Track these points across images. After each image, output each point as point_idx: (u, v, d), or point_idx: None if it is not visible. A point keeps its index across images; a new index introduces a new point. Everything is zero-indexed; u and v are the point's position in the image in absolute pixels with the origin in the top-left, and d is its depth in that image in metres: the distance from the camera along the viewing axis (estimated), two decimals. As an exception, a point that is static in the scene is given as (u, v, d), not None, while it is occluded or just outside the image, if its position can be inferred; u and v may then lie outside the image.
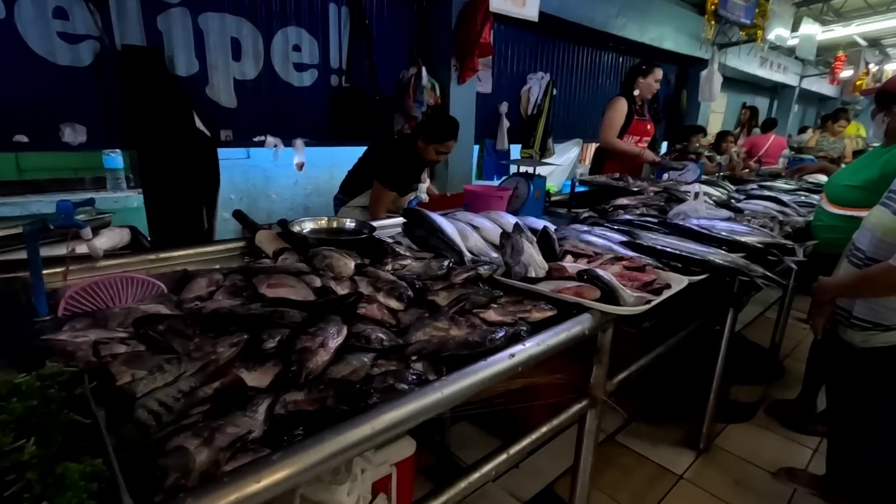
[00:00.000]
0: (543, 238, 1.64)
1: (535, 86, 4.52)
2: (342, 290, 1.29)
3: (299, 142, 3.11)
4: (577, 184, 2.92)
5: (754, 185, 3.42)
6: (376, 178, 2.63)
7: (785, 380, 3.11)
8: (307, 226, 1.87)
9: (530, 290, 1.38)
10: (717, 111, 9.32)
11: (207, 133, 2.67)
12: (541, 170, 2.97)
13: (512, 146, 4.61)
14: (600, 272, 1.35)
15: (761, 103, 9.90)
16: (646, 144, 3.79)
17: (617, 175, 3.65)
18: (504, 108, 4.33)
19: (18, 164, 2.85)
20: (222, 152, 3.45)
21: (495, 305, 1.27)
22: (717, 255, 1.63)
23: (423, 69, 3.47)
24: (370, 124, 3.37)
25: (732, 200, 2.87)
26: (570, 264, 1.45)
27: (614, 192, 3.17)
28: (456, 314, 1.21)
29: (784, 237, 2.19)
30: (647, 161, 3.61)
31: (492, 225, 1.94)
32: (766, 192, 2.99)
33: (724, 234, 1.89)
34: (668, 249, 1.64)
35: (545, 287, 1.39)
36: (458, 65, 3.54)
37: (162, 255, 1.71)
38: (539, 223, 2.19)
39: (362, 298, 1.21)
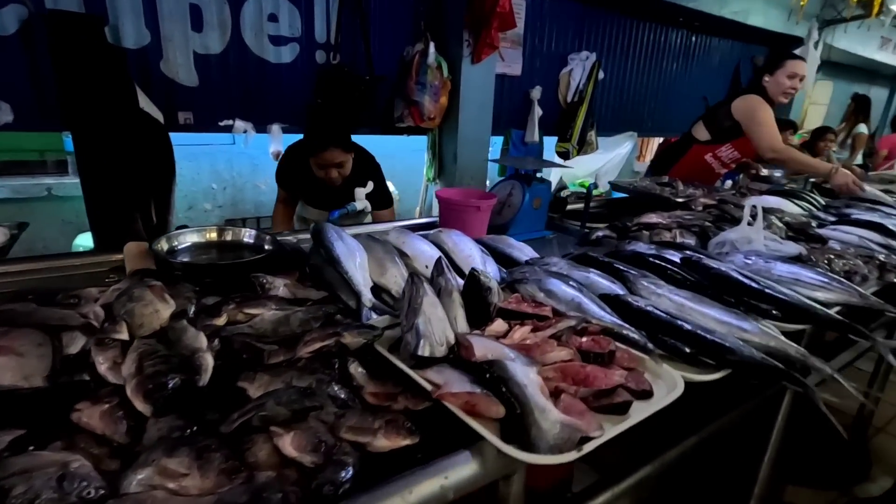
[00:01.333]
0: (471, 286, 1.09)
1: (578, 68, 3.83)
2: (104, 364, 0.84)
3: (276, 128, 2.71)
4: (595, 188, 2.27)
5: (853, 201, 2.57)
6: None
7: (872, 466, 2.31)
8: (187, 240, 1.44)
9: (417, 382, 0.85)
10: (818, 103, 7.92)
11: (157, 115, 2.33)
12: (554, 170, 2.37)
13: (547, 139, 3.96)
14: (514, 371, 0.79)
15: (878, 95, 8.30)
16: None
17: (665, 179, 2.95)
18: (536, 93, 3.69)
19: (-22, 145, 2.70)
20: (203, 137, 3.15)
21: (323, 418, 0.76)
22: (755, 337, 1.00)
23: (432, 45, 2.93)
24: (362, 109, 2.90)
25: (813, 222, 2.10)
26: (483, 341, 0.90)
27: (654, 201, 2.50)
28: (238, 432, 0.72)
29: (884, 289, 1.47)
30: (840, 186, 2.60)
31: (432, 251, 1.40)
32: (865, 216, 2.18)
33: (777, 289, 1.23)
34: (673, 320, 1.03)
35: (437, 377, 0.86)
36: (471, 40, 2.96)
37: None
38: (518, 247, 1.63)
39: (86, 391, 0.74)
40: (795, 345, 0.98)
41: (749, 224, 1.70)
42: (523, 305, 1.08)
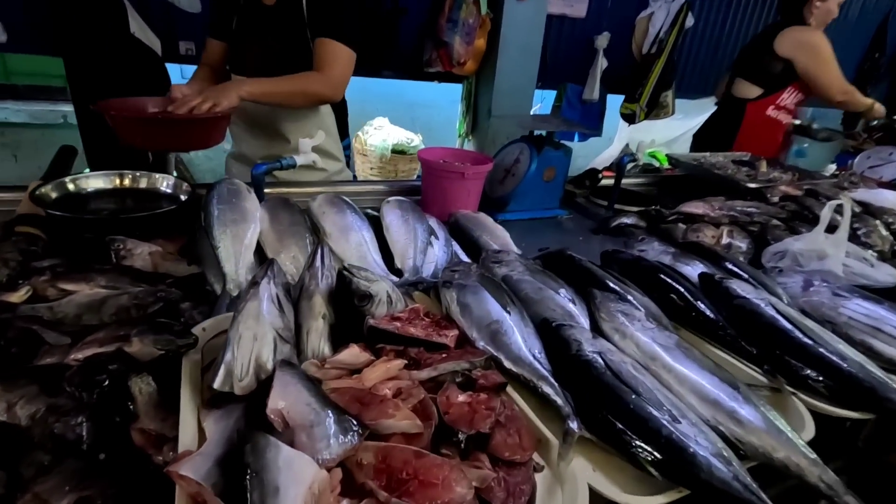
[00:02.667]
0: (341, 291, 0.77)
1: (661, 11, 3.15)
2: None
3: (285, 65, 2.45)
4: (632, 161, 1.80)
5: None
6: None
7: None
8: (89, 185, 1.24)
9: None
10: None
11: (154, 43, 2.15)
12: (619, 136, 1.91)
13: (611, 98, 3.37)
14: (274, 456, 0.48)
15: None
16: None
17: (746, 157, 2.39)
18: (603, 40, 3.10)
19: (6, 66, 2.70)
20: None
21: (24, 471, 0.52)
22: (753, 436, 0.60)
23: (473, -25, 2.48)
24: (387, 48, 2.55)
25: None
26: (289, 384, 0.59)
27: (719, 184, 1.98)
28: None
29: None
30: (874, 117, 2.47)
31: (360, 230, 1.10)
32: None
33: (831, 344, 0.79)
34: (618, 386, 0.65)
35: (211, 428, 0.58)
36: (519, -32, 2.46)
37: None
38: (491, 230, 1.28)
39: None
40: (821, 463, 0.57)
41: (830, 231, 1.20)
42: (413, 325, 0.75)
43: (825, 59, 2.27)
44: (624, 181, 2.32)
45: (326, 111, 1.72)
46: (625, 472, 0.60)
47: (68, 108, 2.67)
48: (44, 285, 0.81)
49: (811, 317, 0.97)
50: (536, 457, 0.60)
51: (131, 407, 0.64)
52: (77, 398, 0.62)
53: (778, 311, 0.85)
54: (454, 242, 1.25)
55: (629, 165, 1.92)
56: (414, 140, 2.99)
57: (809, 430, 0.67)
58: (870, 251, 1.36)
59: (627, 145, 4.01)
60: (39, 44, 2.08)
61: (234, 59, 1.71)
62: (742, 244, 1.37)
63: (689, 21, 3.17)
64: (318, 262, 0.79)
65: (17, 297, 0.78)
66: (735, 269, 1.08)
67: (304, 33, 1.58)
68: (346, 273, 0.75)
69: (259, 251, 1.02)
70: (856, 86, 4.67)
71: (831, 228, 1.20)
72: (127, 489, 0.53)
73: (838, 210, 1.19)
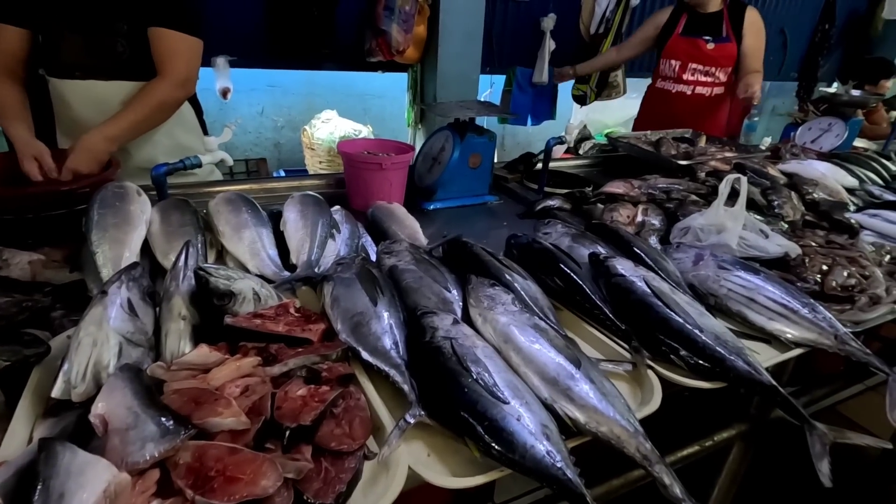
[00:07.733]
0: (200, 291, 0.77)
1: (606, -9, 3.15)
2: None
3: (221, 60, 2.40)
4: (561, 143, 1.79)
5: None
6: None
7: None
8: None
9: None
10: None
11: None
12: (574, 117, 1.91)
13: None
14: (63, 460, 0.48)
15: None
16: (707, 82, 2.50)
17: (688, 132, 2.43)
18: (549, 22, 3.08)
19: None
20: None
21: None
22: (583, 413, 0.62)
23: (409, -40, 2.44)
24: (325, 40, 2.52)
25: (852, 204, 1.55)
26: (115, 390, 0.59)
27: (654, 162, 2.01)
28: None
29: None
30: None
31: (255, 229, 1.09)
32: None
33: (691, 318, 0.80)
34: (458, 369, 0.66)
35: (39, 433, 0.58)
36: (453, -48, 2.44)
37: None
38: (399, 221, 1.28)
39: None
40: (640, 435, 0.59)
41: (731, 205, 1.22)
42: (276, 321, 0.75)
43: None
44: (568, 164, 2.35)
45: (184, 107, 1.53)
46: (459, 456, 0.61)
47: None
48: None
49: (697, 291, 0.99)
50: (374, 445, 0.61)
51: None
52: None
53: (650, 287, 0.87)
54: (367, 236, 1.25)
55: (587, 147, 1.92)
56: (362, 131, 2.97)
57: (655, 402, 0.68)
58: (781, 223, 1.39)
59: (585, 126, 4.05)
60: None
61: (50, 59, 1.35)
62: (656, 221, 1.39)
63: (635, 0, 3.17)
64: (180, 263, 0.79)
65: None
66: (634, 249, 1.10)
67: (135, 18, 1.33)
68: (201, 273, 0.75)
69: (149, 253, 1.01)
70: (808, 57, 4.74)
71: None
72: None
73: (737, 184, 1.22)
